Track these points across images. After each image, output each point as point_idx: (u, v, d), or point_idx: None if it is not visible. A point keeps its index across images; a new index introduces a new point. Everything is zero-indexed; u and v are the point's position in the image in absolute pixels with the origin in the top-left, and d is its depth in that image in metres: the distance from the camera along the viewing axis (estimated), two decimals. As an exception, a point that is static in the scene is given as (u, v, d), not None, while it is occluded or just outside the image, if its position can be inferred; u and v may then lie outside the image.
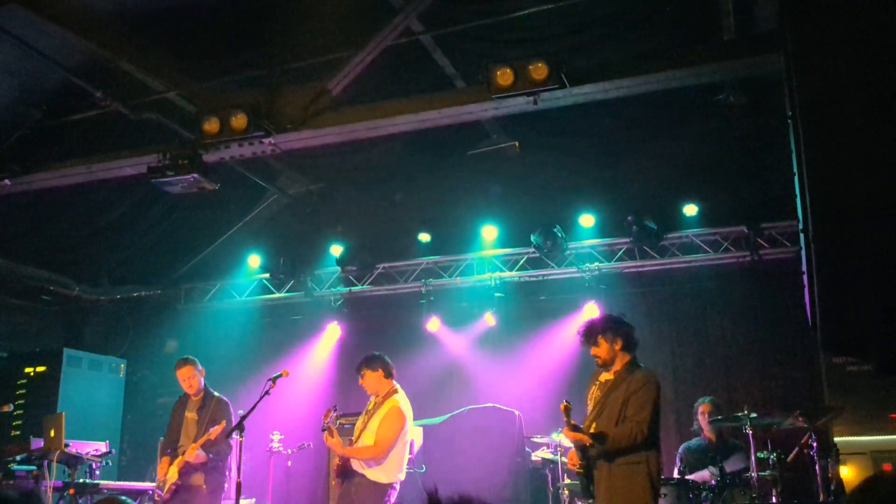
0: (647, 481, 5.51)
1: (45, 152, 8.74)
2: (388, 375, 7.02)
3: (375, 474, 6.73)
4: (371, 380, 6.98)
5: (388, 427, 6.79)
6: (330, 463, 8.95)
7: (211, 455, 7.06)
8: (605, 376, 5.85)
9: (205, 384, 7.57)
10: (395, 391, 7.00)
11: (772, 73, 6.45)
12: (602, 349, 5.74)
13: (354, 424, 7.16)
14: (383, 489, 6.75)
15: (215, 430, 6.99)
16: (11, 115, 8.60)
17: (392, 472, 6.82)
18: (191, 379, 7.46)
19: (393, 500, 6.82)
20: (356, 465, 6.78)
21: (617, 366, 5.76)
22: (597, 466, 5.66)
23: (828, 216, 4.37)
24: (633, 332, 5.82)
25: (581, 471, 5.73)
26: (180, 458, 7.12)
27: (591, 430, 5.64)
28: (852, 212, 4.33)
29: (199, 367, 7.57)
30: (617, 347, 5.73)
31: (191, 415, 7.45)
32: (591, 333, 5.79)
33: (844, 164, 4.31)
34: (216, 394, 7.53)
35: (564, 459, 8.51)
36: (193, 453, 7.01)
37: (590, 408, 5.85)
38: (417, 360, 11.69)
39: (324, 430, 6.80)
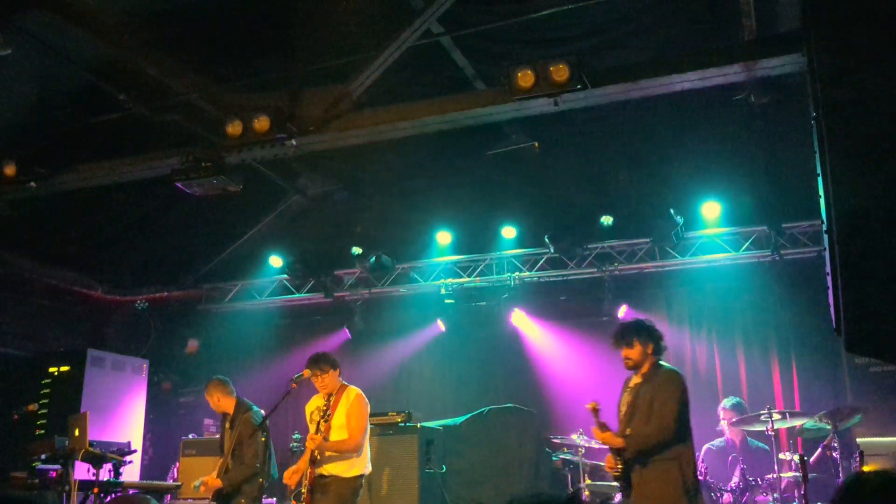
0: (680, 478, 5.53)
1: (68, 154, 8.77)
2: (340, 375, 6.91)
3: (352, 469, 6.60)
4: (332, 378, 6.79)
5: (359, 415, 6.67)
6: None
7: (226, 483, 7.09)
8: (635, 380, 5.97)
9: (237, 397, 7.55)
10: (347, 385, 6.89)
11: (794, 73, 6.43)
12: (635, 351, 5.87)
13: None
14: (359, 483, 6.66)
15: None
16: (35, 117, 8.66)
17: (365, 462, 6.73)
18: (214, 405, 7.53)
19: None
20: (326, 469, 6.60)
21: (645, 368, 5.88)
22: (633, 468, 5.70)
23: (851, 218, 4.35)
24: (663, 338, 6.00)
25: (618, 473, 5.77)
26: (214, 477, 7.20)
27: (627, 433, 5.74)
28: (876, 213, 4.31)
29: (220, 389, 7.50)
30: (648, 351, 5.86)
31: (227, 426, 7.51)
32: (625, 335, 5.92)
33: (868, 165, 4.29)
34: (245, 406, 7.49)
35: (585, 461, 8.54)
36: (212, 487, 7.09)
37: (622, 412, 5.93)
38: (438, 359, 11.73)
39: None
